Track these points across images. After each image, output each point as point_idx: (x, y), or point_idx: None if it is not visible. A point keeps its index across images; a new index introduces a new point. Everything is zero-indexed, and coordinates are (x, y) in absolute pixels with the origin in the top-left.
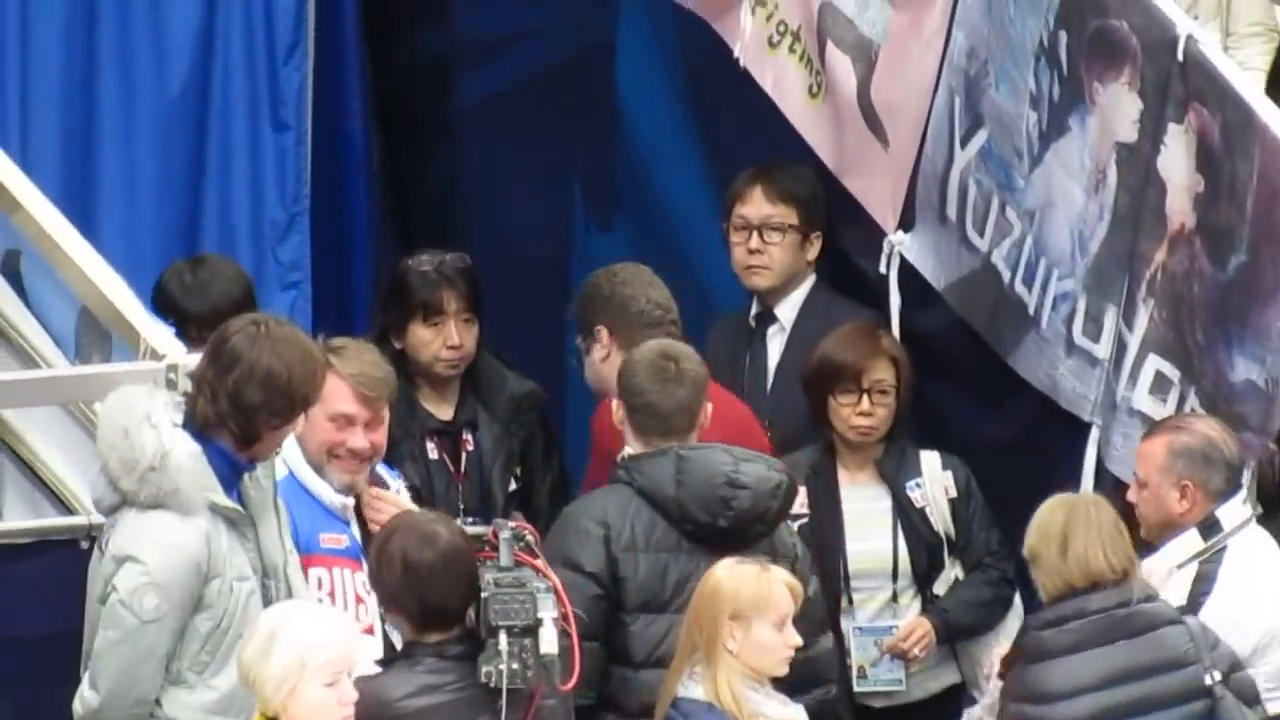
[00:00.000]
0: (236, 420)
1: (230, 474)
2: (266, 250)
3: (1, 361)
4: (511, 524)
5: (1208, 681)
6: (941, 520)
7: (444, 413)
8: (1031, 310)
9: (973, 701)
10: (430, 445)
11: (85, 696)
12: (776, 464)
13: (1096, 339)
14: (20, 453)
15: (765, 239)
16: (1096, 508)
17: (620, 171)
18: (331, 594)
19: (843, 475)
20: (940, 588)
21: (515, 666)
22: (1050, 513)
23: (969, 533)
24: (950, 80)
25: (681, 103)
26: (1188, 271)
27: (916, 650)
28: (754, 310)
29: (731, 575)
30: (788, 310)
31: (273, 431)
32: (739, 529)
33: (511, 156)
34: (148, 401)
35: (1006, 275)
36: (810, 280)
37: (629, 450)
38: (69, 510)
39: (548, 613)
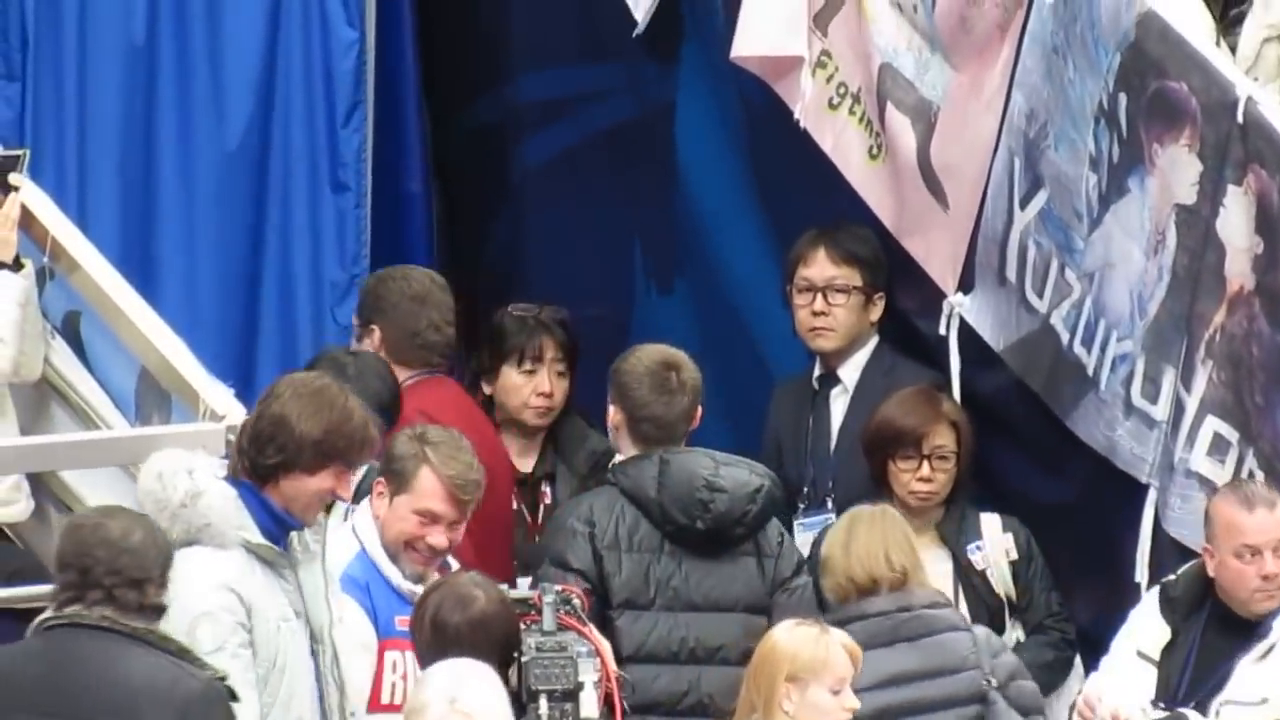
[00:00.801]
0: (248, 455)
1: (271, 524)
2: (325, 311)
3: (61, 423)
4: (558, 587)
5: (984, 685)
6: (1002, 582)
7: (525, 464)
8: (1090, 371)
9: None
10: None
11: None
12: (759, 468)
13: (1154, 400)
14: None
15: (830, 300)
16: (884, 515)
17: (680, 232)
18: (405, 676)
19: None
20: None
21: None
22: (842, 520)
23: (1030, 594)
24: (1010, 142)
25: (741, 163)
26: (1246, 333)
27: None
28: (817, 372)
29: (790, 637)
30: (851, 371)
31: (288, 477)
32: (718, 531)
33: (573, 218)
34: (190, 456)
35: (1065, 336)
36: (873, 341)
37: (620, 456)
38: None
39: (588, 676)
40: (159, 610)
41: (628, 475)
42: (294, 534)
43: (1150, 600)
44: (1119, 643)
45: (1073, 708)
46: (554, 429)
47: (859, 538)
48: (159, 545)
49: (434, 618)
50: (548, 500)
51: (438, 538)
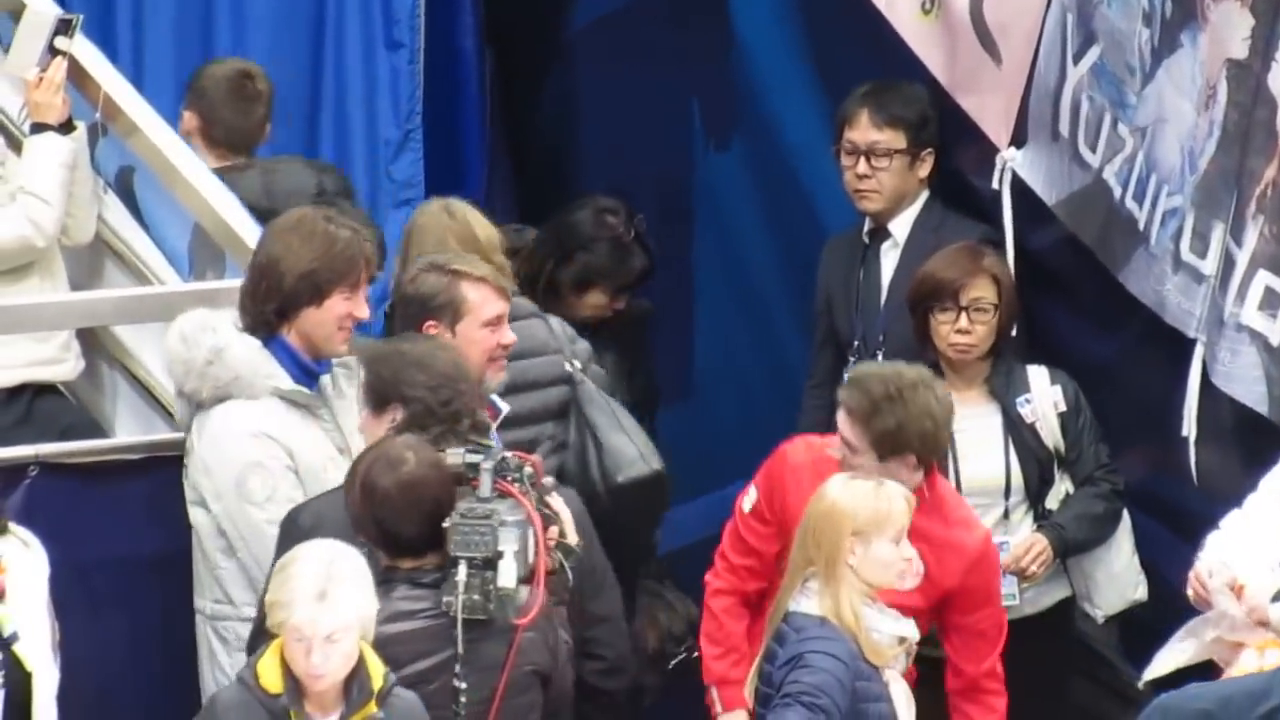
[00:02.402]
0: (252, 309)
1: (297, 369)
2: (381, 168)
3: (114, 280)
4: (507, 454)
5: (567, 369)
6: (1051, 435)
7: None
8: (1141, 226)
9: (1085, 615)
10: None
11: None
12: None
13: (1203, 256)
14: (133, 370)
15: (874, 164)
16: None
17: (736, 90)
18: None
19: (952, 395)
20: (1051, 503)
21: (477, 598)
22: None
23: (1079, 447)
24: None
25: (795, 21)
26: None
27: (1035, 567)
28: (867, 227)
29: (849, 493)
30: (901, 227)
31: (298, 316)
32: None
33: (626, 77)
34: (211, 315)
35: (1117, 191)
36: (923, 197)
37: None
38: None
39: (509, 545)
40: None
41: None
42: (325, 378)
43: None
44: (1257, 499)
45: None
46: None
47: None
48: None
49: (364, 479)
50: None
51: (507, 334)
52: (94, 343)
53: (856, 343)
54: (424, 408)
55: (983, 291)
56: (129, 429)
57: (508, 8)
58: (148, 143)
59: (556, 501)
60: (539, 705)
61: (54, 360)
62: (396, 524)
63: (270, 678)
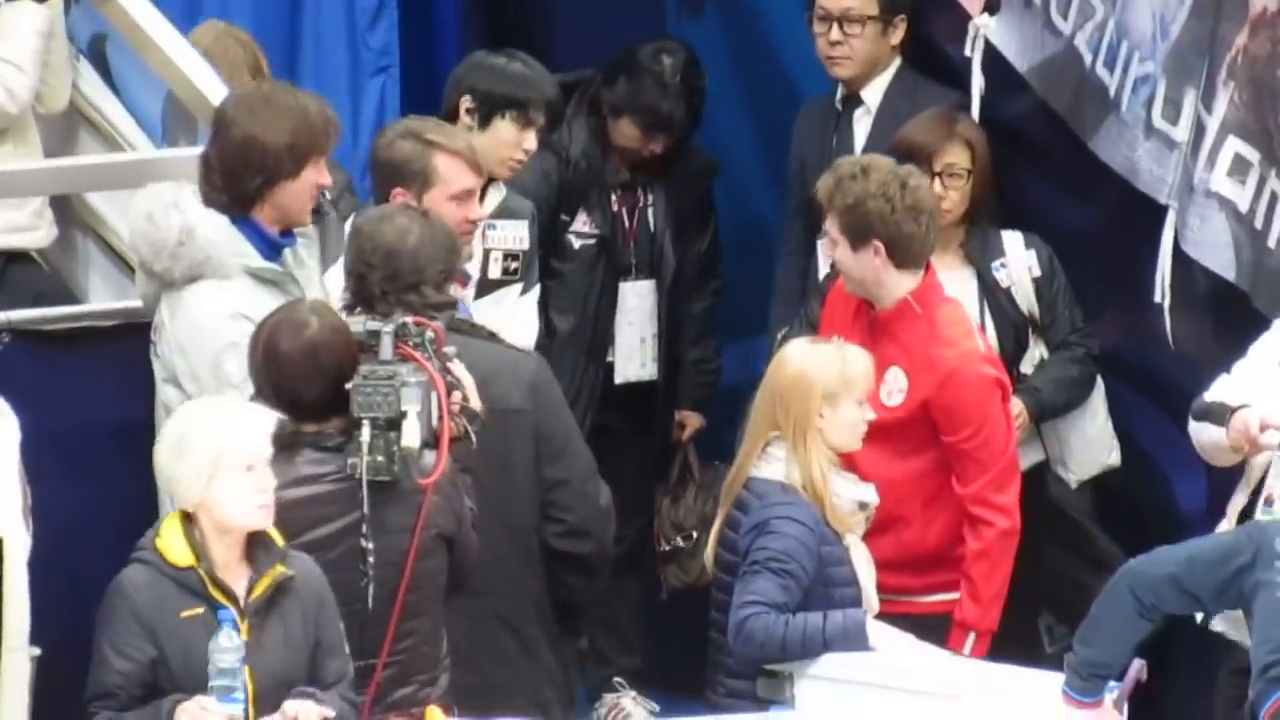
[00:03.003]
0: (226, 187)
1: (265, 246)
2: (358, 36)
3: (88, 148)
4: (408, 319)
5: None
6: (1026, 300)
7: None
8: (1112, 93)
9: (1058, 480)
10: (614, 197)
11: None
12: None
13: (1175, 122)
14: (106, 237)
15: (845, 30)
16: None
17: None
18: None
19: None
20: (1026, 367)
21: (381, 459)
22: None
23: (1053, 311)
24: None
25: None
26: (1269, 55)
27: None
28: (840, 94)
29: (815, 357)
30: (873, 94)
31: (276, 190)
32: None
33: None
34: (175, 190)
35: (1088, 58)
36: (895, 63)
37: None
38: None
39: (412, 406)
40: (450, 305)
41: None
42: (286, 251)
43: None
44: (1255, 349)
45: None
46: None
47: None
48: (437, 242)
49: (266, 343)
50: (642, 205)
51: (475, 209)
52: (67, 211)
53: None
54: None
55: (956, 157)
56: (102, 297)
57: None
58: (120, 9)
59: (459, 368)
60: (444, 569)
61: (27, 227)
62: (298, 386)
63: (177, 553)
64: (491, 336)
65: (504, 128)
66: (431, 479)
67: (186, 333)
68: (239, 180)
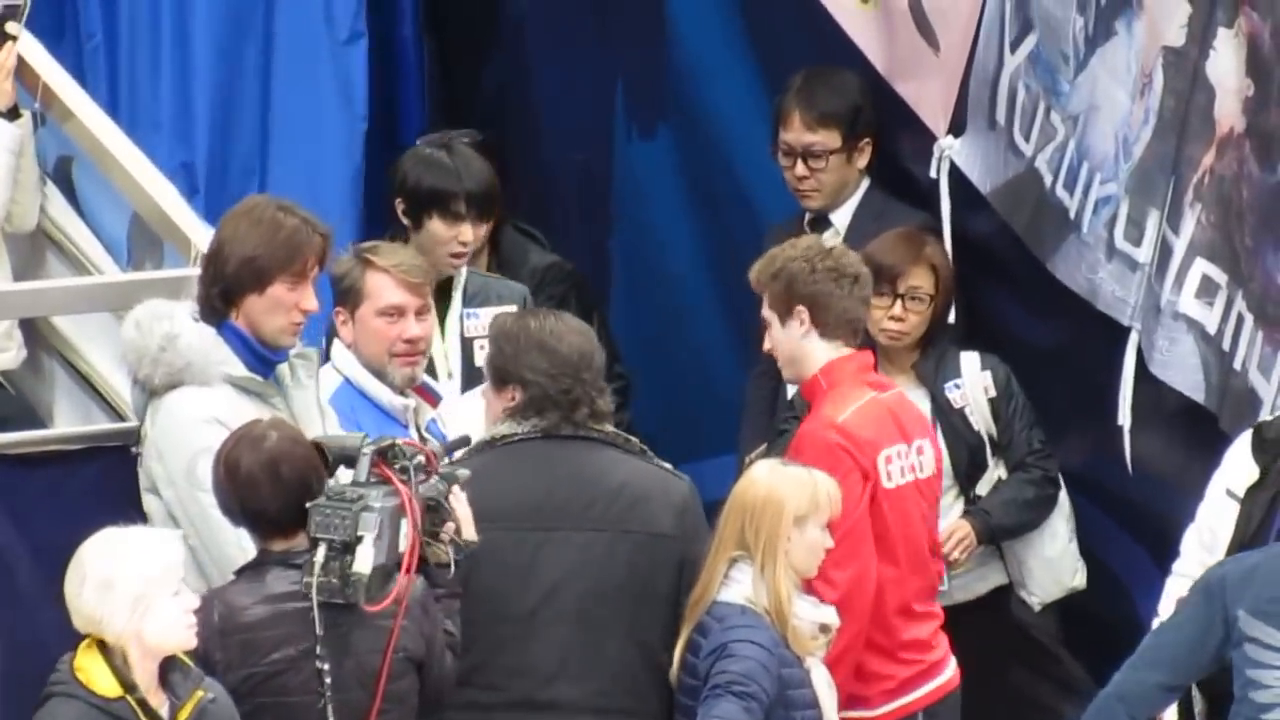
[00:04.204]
0: (202, 291)
1: (250, 356)
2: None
3: (56, 271)
4: (400, 440)
5: None
6: (982, 420)
7: None
8: (1072, 214)
9: (1021, 603)
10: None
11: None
12: None
13: (1138, 243)
14: (72, 360)
15: (810, 165)
16: None
17: (667, 78)
18: None
19: None
20: (983, 488)
21: (335, 581)
22: None
23: (1010, 431)
24: None
25: (731, 7)
26: (1236, 175)
27: (956, 553)
28: (808, 216)
29: (786, 478)
30: (842, 216)
31: (243, 301)
32: None
33: (560, 63)
34: (167, 304)
35: (1048, 179)
36: (864, 185)
37: None
38: (121, 418)
39: (369, 531)
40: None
41: None
42: (282, 368)
43: (1244, 440)
44: (1212, 481)
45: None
46: (495, 251)
47: None
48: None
49: (227, 459)
50: None
51: (412, 329)
52: (34, 333)
53: None
54: (541, 392)
55: (920, 281)
56: (69, 420)
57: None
58: (85, 131)
59: (458, 500)
60: (415, 689)
61: None
62: (259, 502)
63: (102, 684)
64: (643, 453)
65: (434, 224)
66: (378, 606)
67: (164, 437)
68: (205, 285)
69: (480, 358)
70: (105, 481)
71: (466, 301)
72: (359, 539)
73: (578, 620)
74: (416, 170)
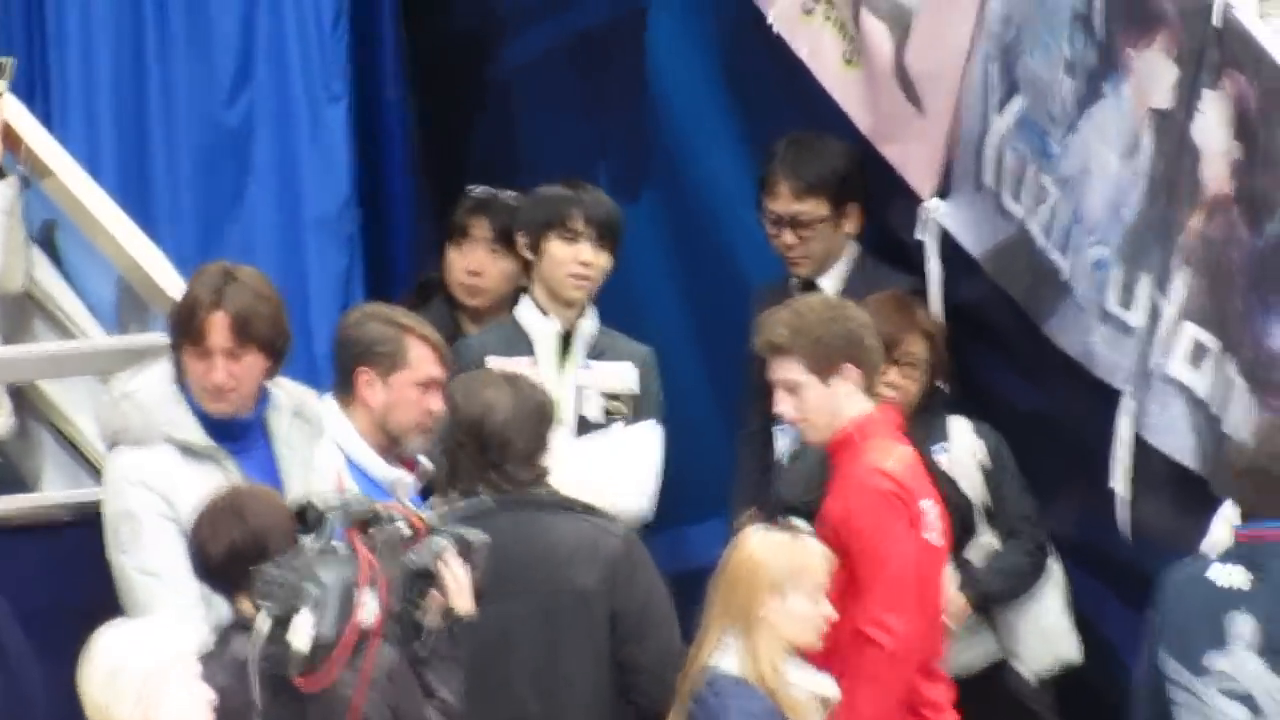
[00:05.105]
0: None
1: (203, 417)
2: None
3: (42, 336)
4: (380, 505)
5: None
6: (972, 486)
7: None
8: (1065, 277)
9: (1014, 674)
10: None
11: None
12: None
13: (1129, 307)
14: (60, 426)
15: (799, 234)
16: None
17: (650, 141)
18: None
19: None
20: (973, 554)
21: (274, 649)
22: None
23: (1001, 499)
24: (986, 47)
25: (714, 70)
26: (1225, 239)
27: (950, 622)
28: (795, 281)
29: (765, 545)
30: (831, 281)
31: (181, 360)
32: None
33: (543, 127)
34: (151, 364)
35: (1040, 241)
36: (852, 250)
37: None
38: None
39: (306, 603)
40: (536, 480)
41: None
42: (279, 425)
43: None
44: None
45: None
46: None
47: None
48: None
49: (198, 523)
50: None
51: (438, 401)
52: (20, 399)
53: None
54: (452, 460)
55: (914, 347)
56: (58, 487)
57: (431, 55)
58: (69, 195)
59: (453, 566)
60: None
61: None
62: (209, 558)
63: None
64: (587, 510)
65: (551, 246)
66: (316, 683)
67: (102, 501)
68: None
69: (588, 406)
70: (95, 548)
71: (589, 355)
72: (296, 610)
73: (531, 685)
74: (533, 198)
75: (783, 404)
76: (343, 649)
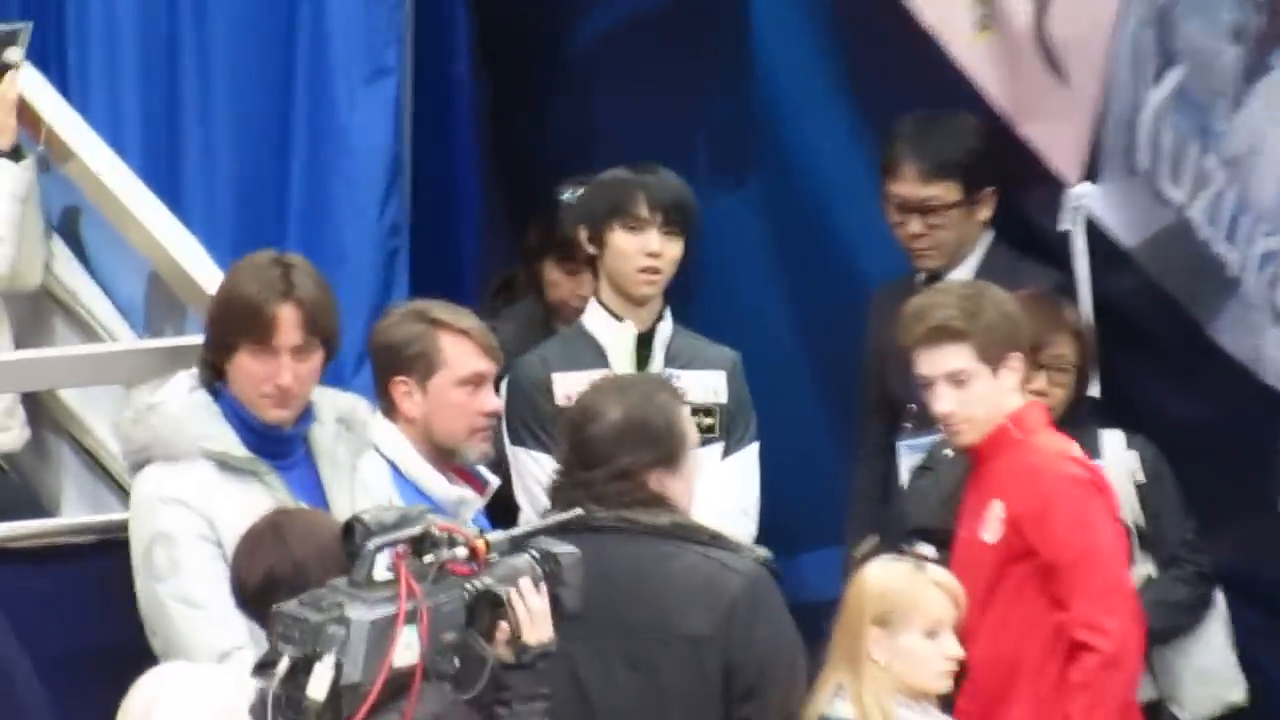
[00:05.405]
0: (201, 358)
1: (244, 429)
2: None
3: (62, 338)
4: (435, 527)
5: None
6: (1129, 509)
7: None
8: (1233, 272)
9: (1171, 718)
10: None
11: None
12: None
13: None
14: (82, 440)
15: (927, 222)
16: None
17: (754, 123)
18: None
19: None
20: None
21: (294, 694)
22: None
23: (1158, 523)
24: (1139, 10)
25: (826, 42)
26: None
27: None
28: (922, 275)
29: (877, 575)
30: (963, 275)
31: (224, 370)
32: None
33: (630, 107)
34: (179, 373)
35: (1204, 232)
36: (986, 239)
37: None
38: None
39: (331, 649)
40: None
41: None
42: (323, 439)
43: None
44: None
45: None
46: None
47: None
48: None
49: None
50: None
51: (492, 399)
52: (37, 410)
53: (913, 406)
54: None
55: (1063, 349)
56: (76, 509)
57: (505, 29)
58: (94, 179)
59: (523, 598)
60: None
61: None
62: (241, 587)
63: None
64: (713, 539)
65: (616, 238)
66: None
67: (130, 525)
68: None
69: None
70: (121, 578)
71: (669, 361)
72: (317, 656)
73: None
74: (591, 186)
75: (944, 400)
76: (375, 692)
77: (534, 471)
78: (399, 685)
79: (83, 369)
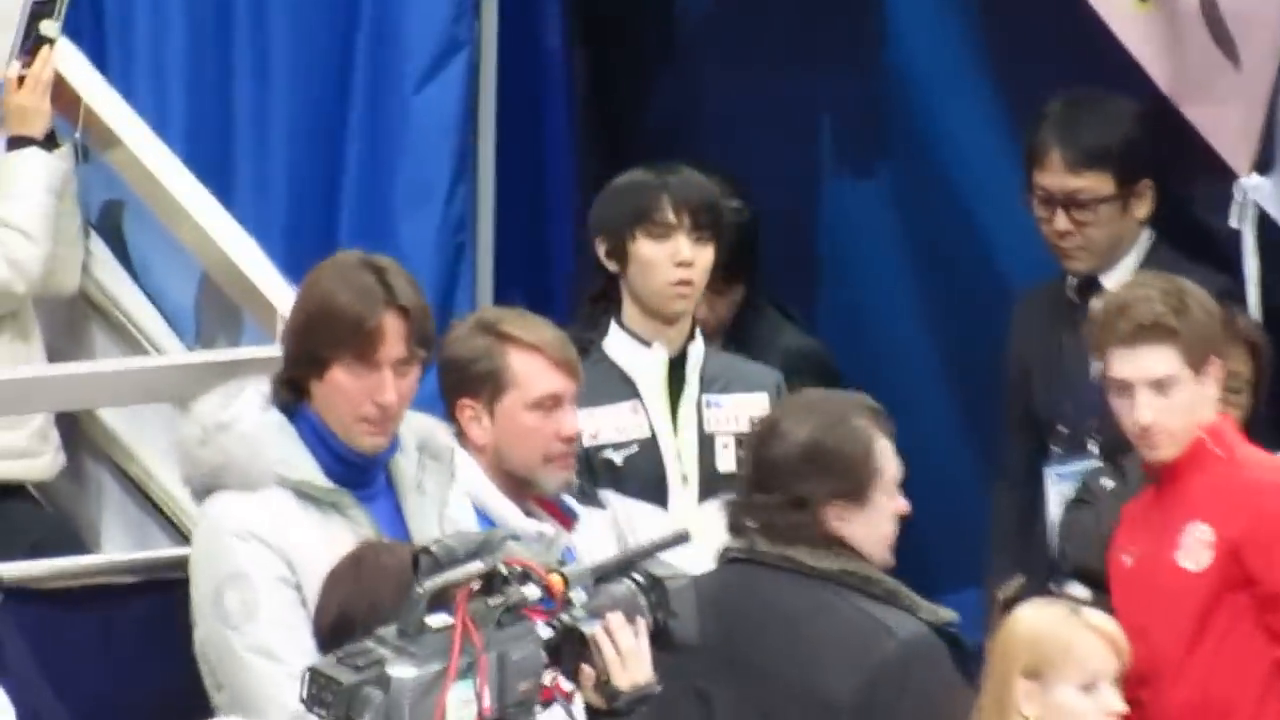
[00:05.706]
0: (278, 374)
1: (328, 456)
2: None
3: (99, 347)
4: (503, 561)
5: None
6: None
7: None
8: None
9: None
10: None
11: None
12: None
13: None
14: (124, 467)
15: (1075, 216)
16: None
17: (886, 106)
18: None
19: None
20: None
21: None
22: None
23: None
24: None
25: (967, 17)
26: None
27: None
28: (1073, 280)
29: (1028, 621)
30: (1118, 277)
31: (308, 389)
32: None
33: (747, 87)
34: (239, 384)
35: None
36: (1144, 238)
37: None
38: (186, 540)
39: (364, 714)
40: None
41: None
42: (407, 469)
43: None
44: None
45: None
46: (738, 326)
47: None
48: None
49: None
50: None
51: (570, 422)
52: (74, 432)
53: (1062, 428)
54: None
55: (1236, 365)
56: (118, 544)
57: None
58: (142, 169)
59: (612, 629)
60: None
61: (25, 453)
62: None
63: None
64: (888, 595)
65: (639, 248)
66: None
67: (195, 559)
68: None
69: (723, 458)
70: (166, 623)
71: (705, 386)
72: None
73: None
74: (607, 193)
75: (1145, 409)
76: None
77: None
78: None
79: (125, 386)
